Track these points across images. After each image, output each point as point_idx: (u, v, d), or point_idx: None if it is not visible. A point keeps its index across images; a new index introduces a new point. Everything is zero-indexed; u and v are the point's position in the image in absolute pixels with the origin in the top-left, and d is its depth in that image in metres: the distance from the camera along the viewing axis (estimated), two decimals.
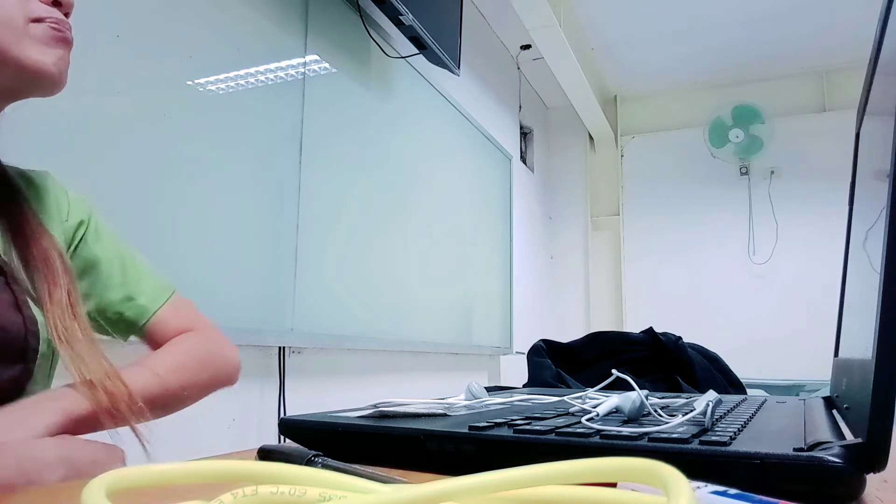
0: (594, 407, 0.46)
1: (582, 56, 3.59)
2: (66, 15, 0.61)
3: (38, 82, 0.59)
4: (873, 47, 0.54)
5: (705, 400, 0.44)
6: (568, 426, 0.41)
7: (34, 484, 0.46)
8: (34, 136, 1.11)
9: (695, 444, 0.35)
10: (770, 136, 4.06)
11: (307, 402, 1.85)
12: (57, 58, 0.58)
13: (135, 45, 1.31)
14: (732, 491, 0.25)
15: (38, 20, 0.58)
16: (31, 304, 0.60)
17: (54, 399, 0.55)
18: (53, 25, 0.58)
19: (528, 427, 0.41)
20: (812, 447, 0.32)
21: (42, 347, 0.59)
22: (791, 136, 4.10)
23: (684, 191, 4.37)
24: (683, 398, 0.60)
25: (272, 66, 1.70)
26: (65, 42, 0.60)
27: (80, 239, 0.71)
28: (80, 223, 0.71)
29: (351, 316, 2.00)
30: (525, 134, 4.22)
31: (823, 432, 0.39)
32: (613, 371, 0.52)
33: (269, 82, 1.69)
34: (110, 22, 1.26)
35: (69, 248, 0.69)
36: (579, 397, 0.56)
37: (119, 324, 0.72)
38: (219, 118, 1.52)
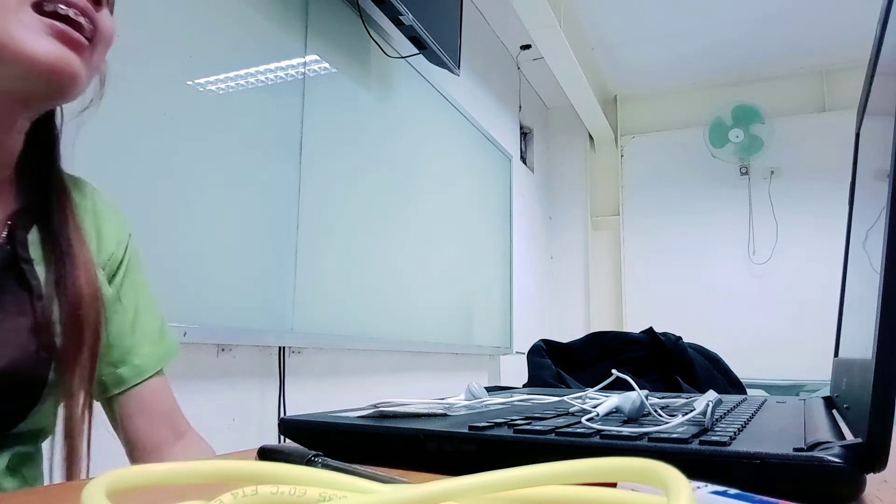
0: (594, 407, 0.46)
1: (582, 56, 3.59)
2: (83, 13, 0.53)
3: (31, 75, 0.51)
4: (873, 47, 0.54)
5: (705, 400, 0.44)
6: (568, 426, 0.41)
7: None
8: None
9: (695, 444, 0.35)
10: (770, 136, 4.06)
11: (307, 402, 1.85)
12: (55, 50, 0.51)
13: (135, 45, 1.31)
14: (732, 491, 0.25)
15: (37, 6, 0.51)
16: (52, 327, 0.56)
17: None
18: (55, 19, 0.51)
19: (528, 427, 0.41)
20: (812, 447, 0.32)
21: (52, 377, 0.56)
22: (791, 136, 4.10)
23: (684, 191, 4.37)
24: (683, 398, 0.60)
25: (272, 66, 1.70)
26: (63, 38, 0.52)
27: (114, 273, 0.67)
28: (113, 256, 0.67)
29: (351, 316, 2.00)
30: (525, 134, 4.22)
31: (823, 432, 0.39)
32: (613, 371, 0.52)
33: (269, 82, 1.69)
34: None
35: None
36: (579, 397, 0.56)
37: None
38: (219, 118, 1.52)
